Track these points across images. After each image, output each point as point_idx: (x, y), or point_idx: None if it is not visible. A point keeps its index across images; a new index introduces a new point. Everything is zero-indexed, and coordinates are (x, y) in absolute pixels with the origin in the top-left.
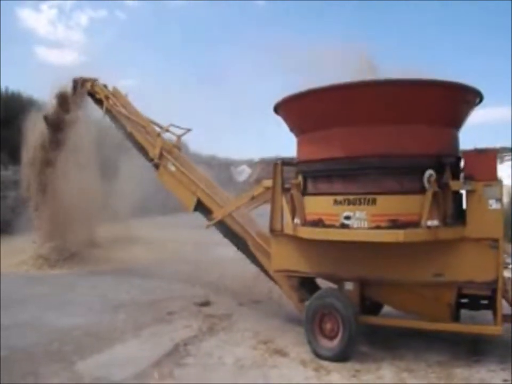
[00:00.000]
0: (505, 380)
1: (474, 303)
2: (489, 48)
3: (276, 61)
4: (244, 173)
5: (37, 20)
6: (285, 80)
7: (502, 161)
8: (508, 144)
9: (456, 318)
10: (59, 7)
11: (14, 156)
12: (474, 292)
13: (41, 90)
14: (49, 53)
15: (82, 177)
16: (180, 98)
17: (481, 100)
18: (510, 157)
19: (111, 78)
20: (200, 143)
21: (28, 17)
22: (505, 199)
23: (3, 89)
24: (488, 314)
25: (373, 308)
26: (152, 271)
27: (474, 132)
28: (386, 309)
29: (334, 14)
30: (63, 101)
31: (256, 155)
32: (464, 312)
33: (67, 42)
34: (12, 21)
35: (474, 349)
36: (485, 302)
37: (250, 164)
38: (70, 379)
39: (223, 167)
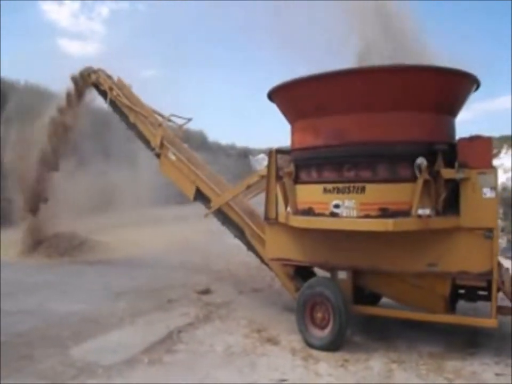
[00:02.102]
0: (498, 374)
1: (471, 294)
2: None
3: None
4: (262, 162)
5: (59, 12)
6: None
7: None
8: None
9: (451, 309)
10: None
11: None
12: (469, 283)
13: (61, 82)
14: (71, 45)
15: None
16: (199, 88)
17: (478, 87)
18: None
19: (131, 69)
20: (220, 132)
21: (51, 9)
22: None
23: (22, 81)
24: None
25: (372, 297)
26: (159, 260)
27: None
28: (385, 299)
29: None
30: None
31: (275, 144)
32: (466, 304)
33: (89, 34)
34: (35, 14)
35: (470, 340)
36: (484, 293)
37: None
38: (63, 363)
39: (242, 156)
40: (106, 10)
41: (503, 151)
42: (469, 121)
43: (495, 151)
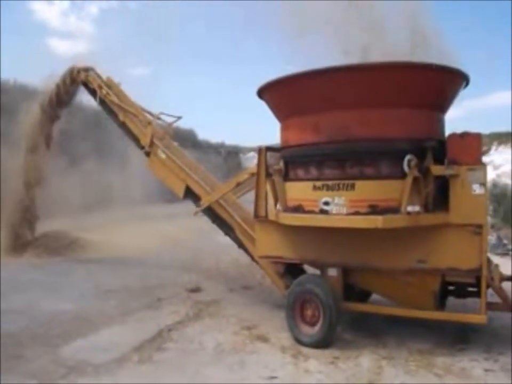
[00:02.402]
0: (487, 370)
1: (461, 291)
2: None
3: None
4: (252, 160)
5: (49, 12)
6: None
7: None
8: None
9: (441, 305)
10: None
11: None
12: (458, 279)
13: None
14: (61, 44)
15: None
16: (189, 86)
17: (467, 83)
18: None
19: (121, 67)
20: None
21: (41, 9)
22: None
23: (11, 81)
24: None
25: (361, 294)
26: (149, 258)
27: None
28: (375, 295)
29: None
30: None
31: (264, 142)
32: (456, 300)
33: (79, 33)
34: (24, 13)
35: (460, 337)
36: (473, 289)
37: None
38: (53, 362)
39: (232, 154)
40: (96, 10)
41: (493, 147)
42: (459, 118)
43: (484, 148)
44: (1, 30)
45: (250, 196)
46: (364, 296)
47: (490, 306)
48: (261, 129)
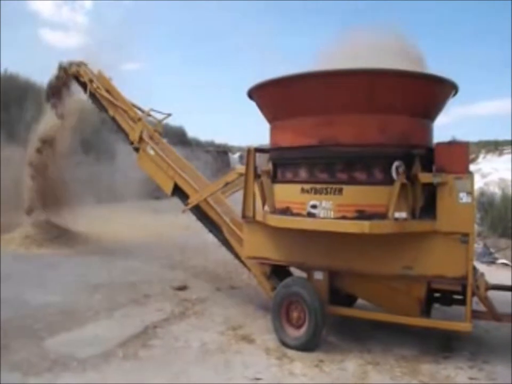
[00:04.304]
0: (471, 378)
1: (447, 298)
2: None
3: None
4: (241, 159)
5: (42, 2)
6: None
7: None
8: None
9: (426, 312)
10: None
11: (13, 137)
12: (444, 287)
13: (43, 73)
14: (54, 35)
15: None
16: (181, 83)
17: (456, 92)
18: (509, 150)
19: (114, 61)
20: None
21: None
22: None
23: (2, 71)
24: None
25: (347, 298)
26: (137, 254)
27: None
28: (361, 300)
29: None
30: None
31: (254, 142)
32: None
33: (71, 25)
34: (16, 2)
35: (445, 344)
36: (459, 297)
37: None
38: (37, 354)
39: (221, 153)
40: (89, 1)
41: (481, 156)
42: (448, 125)
43: (472, 156)
44: None
45: (240, 196)
46: (350, 300)
47: (475, 314)
48: (251, 128)
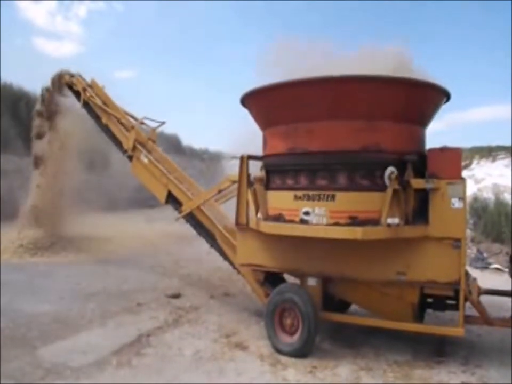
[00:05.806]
0: (464, 383)
1: (439, 304)
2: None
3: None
4: (235, 167)
5: (36, 11)
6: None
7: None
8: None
9: (419, 318)
10: None
11: (6, 147)
12: (437, 292)
13: (37, 82)
14: (48, 45)
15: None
16: (176, 91)
17: (448, 99)
18: (503, 156)
19: (108, 70)
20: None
21: (27, 7)
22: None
23: None
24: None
25: (341, 305)
26: (131, 262)
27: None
28: (354, 306)
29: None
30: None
31: (248, 150)
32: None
33: (65, 34)
34: (11, 12)
35: (438, 349)
36: (452, 302)
37: None
38: (30, 363)
39: (215, 160)
40: (83, 10)
41: (475, 162)
42: (441, 131)
43: (466, 162)
44: None
45: (231, 203)
46: (343, 306)
47: (468, 319)
48: (244, 136)
